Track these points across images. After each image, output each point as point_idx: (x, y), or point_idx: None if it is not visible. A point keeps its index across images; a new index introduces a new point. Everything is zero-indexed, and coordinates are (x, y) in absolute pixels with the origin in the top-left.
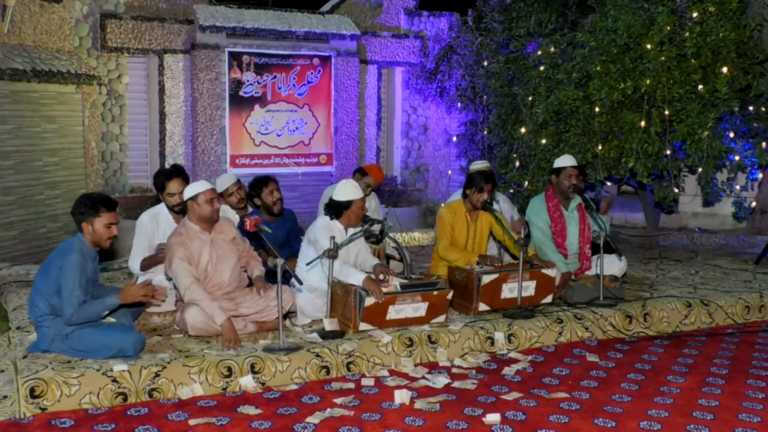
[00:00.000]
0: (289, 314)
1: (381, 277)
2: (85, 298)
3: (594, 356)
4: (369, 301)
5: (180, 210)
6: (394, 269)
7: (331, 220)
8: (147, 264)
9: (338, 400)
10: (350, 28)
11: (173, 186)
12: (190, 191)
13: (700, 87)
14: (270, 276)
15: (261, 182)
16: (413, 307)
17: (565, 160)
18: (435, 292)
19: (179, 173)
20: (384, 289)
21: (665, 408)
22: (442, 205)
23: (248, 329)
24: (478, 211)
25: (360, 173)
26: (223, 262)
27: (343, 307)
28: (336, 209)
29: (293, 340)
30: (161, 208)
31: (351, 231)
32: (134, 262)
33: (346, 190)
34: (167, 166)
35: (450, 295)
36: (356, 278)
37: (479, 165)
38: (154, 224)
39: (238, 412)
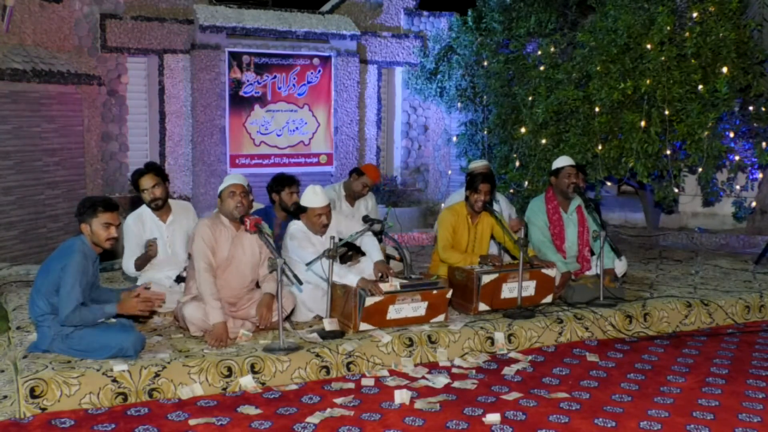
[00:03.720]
0: (289, 316)
1: (380, 275)
2: (83, 299)
3: (594, 356)
4: (370, 301)
5: (156, 207)
6: (394, 269)
7: (299, 221)
8: (141, 263)
9: (338, 400)
10: (350, 28)
11: (145, 182)
12: (220, 186)
13: (700, 87)
14: None
15: (285, 181)
16: (413, 307)
17: (563, 161)
18: (434, 291)
19: (151, 169)
20: (384, 289)
21: (665, 408)
22: (442, 205)
23: (246, 327)
24: (480, 214)
25: (357, 173)
26: (239, 263)
27: (343, 307)
28: (296, 211)
29: (293, 340)
30: (144, 208)
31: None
32: (128, 264)
33: (306, 195)
34: (166, 166)
35: (449, 294)
36: (351, 279)
37: (477, 164)
38: (140, 225)
39: (238, 412)
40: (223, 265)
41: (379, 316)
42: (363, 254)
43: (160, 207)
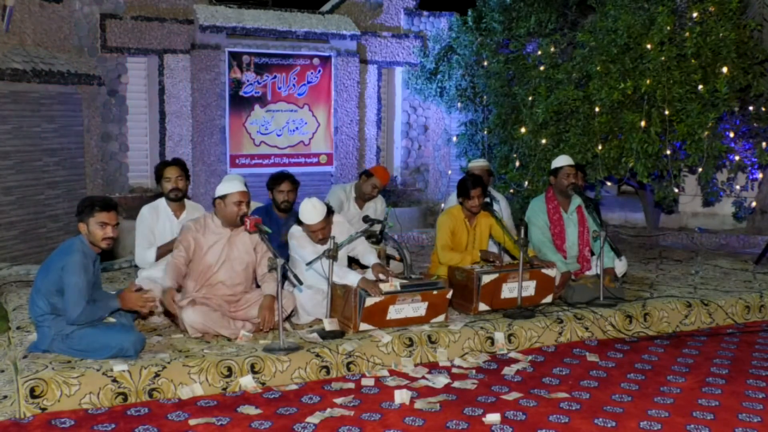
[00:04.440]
0: (289, 316)
1: (381, 276)
2: (87, 298)
3: (594, 356)
4: (370, 301)
5: (176, 197)
6: (394, 269)
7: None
8: (163, 252)
9: (338, 400)
10: (350, 28)
11: (170, 171)
12: (220, 189)
13: (700, 87)
14: None
15: (276, 179)
16: (413, 307)
17: (562, 160)
18: (435, 292)
19: (178, 163)
20: (384, 289)
21: (665, 408)
22: (442, 205)
23: (247, 328)
24: (476, 216)
25: (366, 175)
26: (233, 263)
27: (343, 307)
28: (297, 220)
29: (293, 340)
30: (161, 201)
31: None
32: (143, 254)
33: (302, 209)
34: None
35: (449, 295)
36: (352, 279)
37: (477, 163)
38: (154, 216)
39: (238, 412)
40: (215, 265)
41: (380, 316)
42: (363, 267)
43: (179, 199)
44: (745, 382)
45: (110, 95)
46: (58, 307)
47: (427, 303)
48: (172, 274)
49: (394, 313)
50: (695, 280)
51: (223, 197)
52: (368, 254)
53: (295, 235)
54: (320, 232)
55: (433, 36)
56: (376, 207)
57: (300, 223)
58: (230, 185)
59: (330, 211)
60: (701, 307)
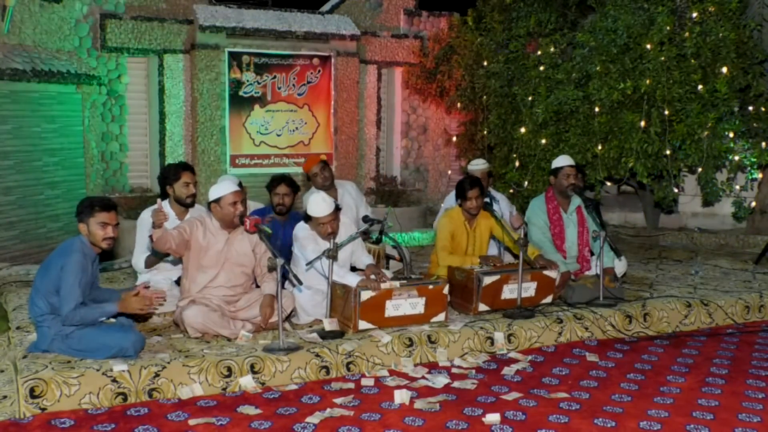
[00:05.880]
0: (289, 316)
1: (373, 277)
2: (83, 299)
3: (594, 356)
4: (366, 294)
5: (192, 202)
6: (393, 269)
7: (306, 224)
8: (151, 262)
9: (338, 400)
10: (350, 28)
11: (189, 176)
12: (214, 193)
13: (700, 87)
14: None
15: (273, 181)
16: (410, 303)
17: (562, 160)
18: (430, 286)
19: (190, 168)
20: (382, 287)
21: (665, 408)
22: (442, 205)
23: (246, 328)
24: (476, 217)
25: (307, 177)
26: (232, 264)
27: (343, 307)
28: (304, 218)
29: (293, 340)
30: (164, 204)
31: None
32: (138, 260)
33: (310, 203)
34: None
35: (446, 290)
36: (351, 280)
37: (477, 165)
38: None
39: (238, 412)
40: (214, 266)
41: (378, 312)
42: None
43: (193, 204)
44: (745, 382)
45: (110, 95)
46: (58, 307)
47: (424, 299)
48: (164, 231)
49: (392, 309)
50: (695, 280)
51: (217, 200)
52: (363, 257)
53: (299, 235)
54: (329, 225)
55: (432, 36)
56: (350, 191)
57: (307, 219)
58: (223, 187)
59: (338, 207)
60: (701, 307)
